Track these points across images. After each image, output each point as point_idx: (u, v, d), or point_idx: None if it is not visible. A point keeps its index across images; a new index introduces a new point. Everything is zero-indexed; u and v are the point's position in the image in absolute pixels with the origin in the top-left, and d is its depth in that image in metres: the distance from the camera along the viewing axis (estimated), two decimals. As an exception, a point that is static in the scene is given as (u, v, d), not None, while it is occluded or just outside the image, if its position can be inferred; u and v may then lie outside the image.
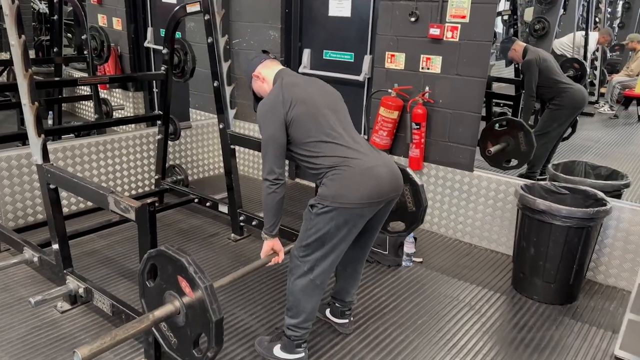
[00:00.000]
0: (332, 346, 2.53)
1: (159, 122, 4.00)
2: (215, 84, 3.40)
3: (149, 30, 5.48)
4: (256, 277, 3.11)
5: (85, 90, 5.24)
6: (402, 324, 2.73)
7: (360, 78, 4.13)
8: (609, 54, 8.56)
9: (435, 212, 3.82)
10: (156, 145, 4.14)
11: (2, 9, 2.46)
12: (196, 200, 3.93)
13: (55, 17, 5.04)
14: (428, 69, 3.58)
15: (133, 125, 5.14)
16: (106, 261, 3.26)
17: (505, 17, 6.17)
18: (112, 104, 5.64)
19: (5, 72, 5.35)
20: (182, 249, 1.89)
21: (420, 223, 2.69)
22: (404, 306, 2.90)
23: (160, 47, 3.90)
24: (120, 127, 5.29)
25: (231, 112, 3.48)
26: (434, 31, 3.44)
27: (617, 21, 9.63)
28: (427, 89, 3.61)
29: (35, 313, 2.68)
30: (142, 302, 2.07)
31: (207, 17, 3.25)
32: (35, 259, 2.86)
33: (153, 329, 1.99)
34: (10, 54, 2.50)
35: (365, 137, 4.17)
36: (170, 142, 4.24)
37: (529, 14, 6.53)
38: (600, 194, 2.98)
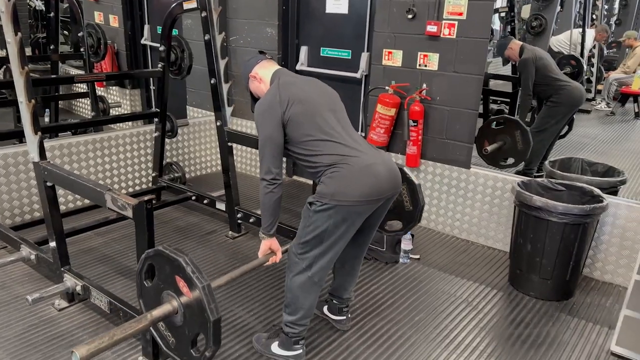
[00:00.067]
0: (329, 343, 2.54)
1: (156, 119, 3.99)
2: (212, 82, 3.40)
3: (146, 27, 5.46)
4: (254, 275, 3.11)
5: (82, 87, 5.24)
6: (400, 321, 2.74)
7: (357, 75, 4.13)
8: (605, 51, 8.57)
9: (433, 209, 3.83)
10: (153, 142, 4.14)
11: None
12: (193, 197, 3.93)
13: (52, 14, 5.03)
14: (425, 66, 3.58)
15: (130, 123, 5.13)
16: (103, 259, 3.26)
17: (503, 14, 6.17)
18: (109, 101, 5.62)
19: (2, 69, 5.33)
20: (180, 248, 1.90)
21: (418, 222, 2.70)
22: (402, 303, 2.91)
23: (157, 45, 3.89)
24: (117, 124, 5.29)
25: (228, 110, 3.47)
26: (431, 28, 3.44)
27: (614, 18, 9.64)
28: (424, 86, 3.61)
29: (33, 311, 2.68)
30: (139, 302, 2.07)
31: (204, 14, 3.25)
32: (33, 257, 2.86)
33: (151, 328, 1.99)
34: (7, 51, 2.49)
35: (363, 134, 4.17)
36: (167, 140, 4.24)
37: (526, 11, 6.52)
38: (597, 191, 2.99)
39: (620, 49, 8.85)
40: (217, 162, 5.02)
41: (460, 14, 3.34)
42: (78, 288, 2.62)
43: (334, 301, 2.63)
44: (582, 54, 7.01)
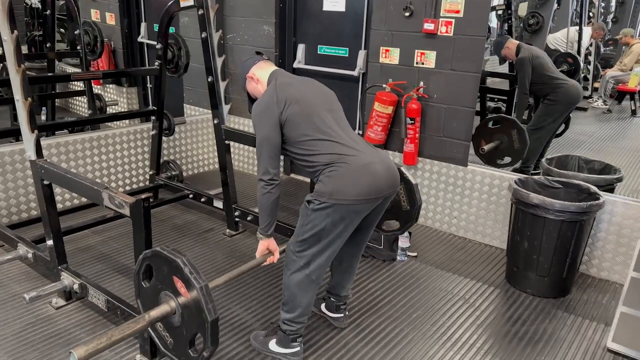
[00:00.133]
0: (327, 340, 2.54)
1: (153, 117, 3.99)
2: (209, 79, 3.39)
3: (143, 25, 5.45)
4: (251, 273, 3.11)
5: (79, 85, 5.22)
6: (397, 318, 2.75)
7: (354, 73, 4.13)
8: (602, 49, 8.59)
9: (430, 206, 3.84)
10: (150, 140, 4.13)
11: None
12: (191, 195, 3.92)
13: (48, 12, 5.01)
14: (422, 63, 3.58)
15: (127, 121, 5.11)
16: (101, 257, 3.26)
17: (500, 12, 6.17)
18: (106, 99, 5.62)
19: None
20: (178, 249, 1.90)
21: (415, 222, 2.71)
22: (399, 300, 2.92)
23: (154, 42, 3.88)
24: (114, 122, 5.27)
25: (225, 108, 3.47)
26: (428, 26, 3.45)
27: (611, 16, 9.66)
28: (421, 84, 3.61)
29: (30, 309, 2.68)
30: (137, 303, 2.07)
31: (200, 11, 3.24)
32: (30, 255, 2.85)
33: (149, 329, 1.99)
34: (3, 49, 2.48)
35: (360, 132, 4.18)
36: (164, 138, 4.23)
37: (523, 9, 6.54)
38: (594, 188, 3.00)
39: (616, 46, 8.87)
40: (214, 160, 5.01)
41: (458, 11, 3.34)
42: (75, 286, 2.62)
43: (332, 299, 2.63)
44: (579, 52, 7.03)
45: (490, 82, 5.25)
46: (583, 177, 3.35)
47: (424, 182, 3.80)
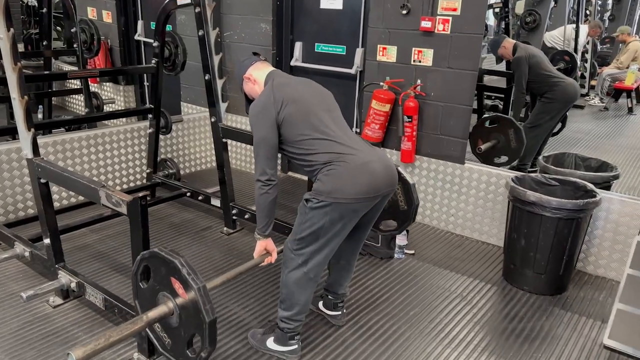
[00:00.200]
0: (325, 338, 2.55)
1: (150, 115, 3.98)
2: (206, 77, 3.39)
3: (140, 23, 5.44)
4: (249, 271, 3.10)
5: (76, 84, 5.20)
6: (395, 315, 2.75)
7: (352, 71, 4.13)
8: (599, 47, 8.61)
9: (427, 204, 3.84)
10: (147, 139, 4.12)
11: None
12: (188, 194, 3.92)
13: (44, 10, 4.99)
14: (420, 61, 3.59)
15: (124, 119, 5.11)
16: (98, 255, 3.25)
17: (497, 10, 6.18)
18: (103, 97, 5.59)
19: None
20: (175, 250, 1.90)
21: (412, 222, 2.72)
22: (396, 298, 2.92)
23: (151, 40, 3.88)
24: (111, 121, 5.24)
25: (223, 106, 3.47)
26: (426, 24, 3.45)
27: (608, 14, 9.68)
28: (418, 81, 3.62)
29: (27, 308, 2.68)
30: (135, 303, 2.08)
31: (197, 9, 3.23)
32: (27, 254, 2.85)
33: (147, 329, 1.99)
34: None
35: (358, 130, 4.18)
36: (161, 136, 4.23)
37: (520, 7, 6.54)
38: (590, 186, 3.01)
39: (613, 44, 8.89)
40: (211, 158, 5.01)
41: (455, 9, 3.34)
42: (73, 285, 2.61)
43: (329, 296, 2.64)
44: (575, 50, 7.04)
45: (488, 80, 5.25)
46: (580, 175, 3.36)
47: (422, 180, 3.80)
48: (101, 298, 2.50)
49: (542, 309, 2.87)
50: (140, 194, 2.11)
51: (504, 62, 5.07)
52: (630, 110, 7.35)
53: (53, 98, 5.42)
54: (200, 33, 3.28)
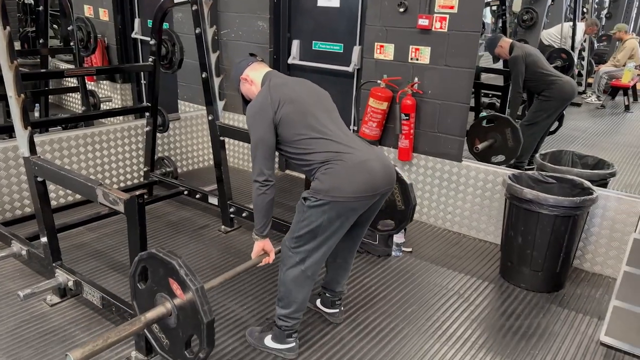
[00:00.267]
0: (322, 336, 2.55)
1: (147, 114, 3.97)
2: (203, 75, 3.38)
3: (136, 21, 5.42)
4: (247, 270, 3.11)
5: (72, 82, 5.19)
6: (392, 313, 2.76)
7: (349, 69, 4.13)
8: (596, 45, 8.63)
9: (425, 202, 3.85)
10: (144, 137, 4.12)
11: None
12: (186, 192, 3.92)
13: (41, 8, 4.98)
14: (417, 59, 3.59)
15: (121, 118, 5.10)
16: (95, 254, 3.25)
17: (494, 8, 6.19)
18: (100, 95, 5.58)
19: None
20: (173, 251, 1.91)
21: (410, 221, 2.73)
22: (394, 295, 2.93)
23: (148, 38, 3.87)
24: (108, 119, 5.24)
25: (220, 104, 3.46)
26: (423, 22, 3.45)
27: (605, 11, 9.70)
28: (416, 79, 3.62)
29: (24, 306, 2.67)
30: (133, 304, 2.08)
31: (194, 7, 3.23)
32: (24, 252, 2.84)
33: (145, 330, 1.99)
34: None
35: (355, 128, 4.18)
36: (158, 134, 4.22)
37: (517, 5, 6.55)
38: (587, 183, 3.02)
39: (610, 42, 8.91)
40: (209, 156, 5.01)
41: (452, 7, 3.34)
42: (70, 283, 2.61)
43: (327, 294, 2.64)
44: (572, 48, 7.05)
45: (485, 77, 5.26)
46: (577, 172, 3.37)
47: (419, 178, 3.81)
48: (98, 296, 2.50)
49: (539, 306, 2.88)
50: (138, 192, 2.11)
51: (501, 60, 5.08)
52: (627, 108, 7.37)
53: (50, 96, 5.41)
54: (198, 31, 3.27)
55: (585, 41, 7.73)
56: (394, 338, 2.55)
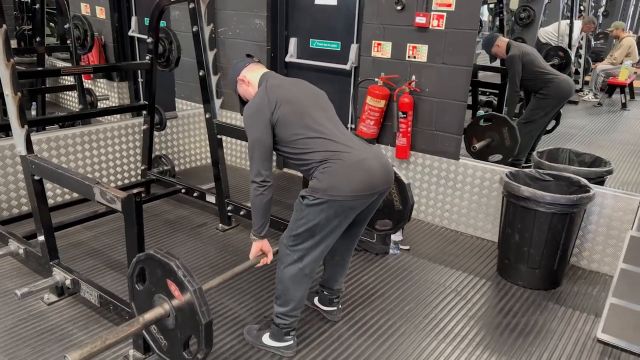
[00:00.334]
0: (320, 333, 2.56)
1: (144, 112, 3.97)
2: (201, 73, 3.38)
3: (133, 19, 5.41)
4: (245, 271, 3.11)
5: (69, 80, 5.17)
6: (390, 311, 2.76)
7: (347, 67, 4.13)
8: (593, 42, 8.64)
9: (422, 200, 3.85)
10: (142, 135, 4.11)
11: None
12: (183, 190, 3.91)
13: (37, 5, 4.94)
14: (414, 57, 3.59)
15: (118, 116, 5.09)
16: (93, 252, 3.24)
17: (491, 6, 6.19)
18: (97, 94, 5.57)
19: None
20: (171, 252, 1.91)
21: (407, 221, 2.73)
22: (392, 293, 2.93)
23: (145, 36, 3.86)
24: (105, 117, 5.24)
25: (217, 102, 3.46)
26: (420, 20, 3.45)
27: (602, 9, 9.72)
28: (413, 77, 3.62)
29: (22, 305, 2.67)
30: (132, 305, 2.07)
31: (191, 5, 3.22)
32: (21, 251, 2.84)
33: (143, 331, 1.99)
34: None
35: (352, 126, 4.18)
36: (156, 133, 4.21)
37: (514, 3, 6.56)
38: (584, 181, 3.03)
39: (607, 40, 8.93)
40: (206, 154, 5.00)
41: (449, 5, 3.34)
42: (67, 282, 2.61)
43: (325, 292, 2.64)
44: (570, 46, 7.06)
45: (482, 75, 5.27)
46: (573, 170, 3.38)
47: (416, 176, 3.81)
48: (96, 295, 2.50)
49: (536, 303, 2.89)
50: (135, 191, 2.11)
51: (498, 59, 5.09)
52: (623, 105, 7.39)
53: (46, 94, 5.39)
54: (195, 29, 3.27)
55: (582, 39, 7.74)
56: (391, 335, 2.56)
